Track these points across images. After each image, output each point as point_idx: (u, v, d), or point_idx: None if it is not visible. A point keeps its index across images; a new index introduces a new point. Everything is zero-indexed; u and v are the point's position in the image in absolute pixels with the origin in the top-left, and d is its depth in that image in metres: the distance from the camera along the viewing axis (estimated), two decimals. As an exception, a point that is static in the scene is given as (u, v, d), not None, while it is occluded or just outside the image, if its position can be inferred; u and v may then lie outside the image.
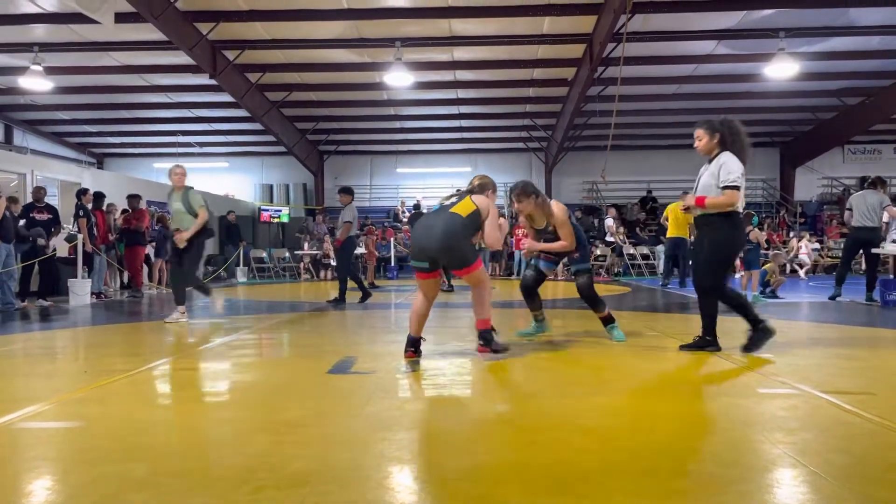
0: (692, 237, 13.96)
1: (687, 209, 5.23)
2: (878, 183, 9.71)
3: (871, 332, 6.59)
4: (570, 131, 19.87)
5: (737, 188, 4.79)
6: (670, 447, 2.70)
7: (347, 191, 10.15)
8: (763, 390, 3.84)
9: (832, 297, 9.57)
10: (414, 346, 4.87)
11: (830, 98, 18.43)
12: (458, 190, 5.37)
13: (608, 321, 5.75)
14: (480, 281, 4.94)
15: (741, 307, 4.97)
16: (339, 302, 9.77)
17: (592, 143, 21.32)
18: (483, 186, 5.19)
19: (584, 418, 3.20)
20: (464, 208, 4.88)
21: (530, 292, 5.88)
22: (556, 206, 5.63)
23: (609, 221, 19.52)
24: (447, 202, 5.04)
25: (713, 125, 5.02)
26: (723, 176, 4.80)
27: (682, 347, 5.19)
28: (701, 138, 5.05)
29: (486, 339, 4.93)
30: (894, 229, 9.76)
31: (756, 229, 9.71)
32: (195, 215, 7.53)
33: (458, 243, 4.78)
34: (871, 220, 9.33)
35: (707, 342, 5.09)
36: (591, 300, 5.68)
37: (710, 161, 5.01)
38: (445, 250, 4.77)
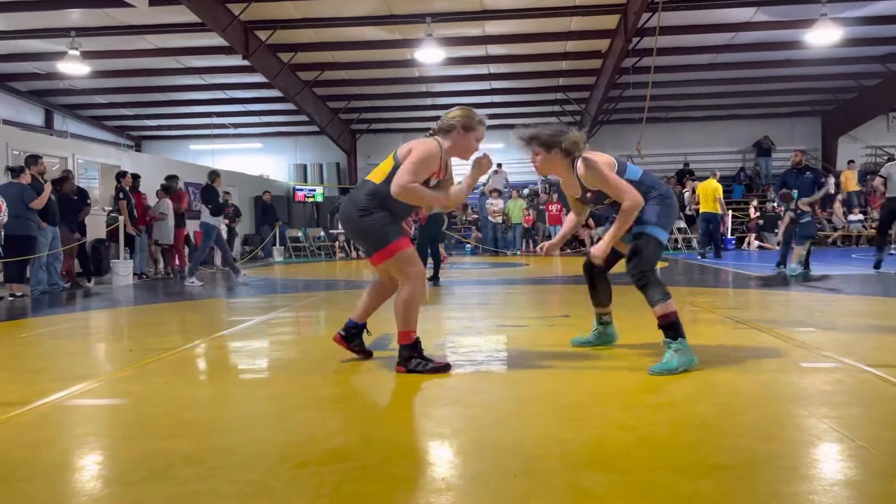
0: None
1: None
2: None
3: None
4: (605, 104, 19.60)
5: None
6: (711, 422, 2.68)
7: None
8: (806, 364, 3.77)
9: (876, 265, 9.43)
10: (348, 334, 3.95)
11: (874, 64, 17.85)
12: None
13: (675, 331, 3.60)
14: (405, 274, 3.68)
15: None
16: (435, 279, 9.55)
17: (627, 115, 21.00)
18: (447, 127, 3.90)
19: (623, 394, 3.19)
20: (380, 171, 3.78)
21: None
22: (596, 158, 3.75)
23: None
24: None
25: None
26: None
27: None
28: None
29: (406, 357, 3.66)
30: None
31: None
32: None
33: (361, 219, 3.65)
34: None
35: None
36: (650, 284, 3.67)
37: None
38: (352, 231, 3.82)
